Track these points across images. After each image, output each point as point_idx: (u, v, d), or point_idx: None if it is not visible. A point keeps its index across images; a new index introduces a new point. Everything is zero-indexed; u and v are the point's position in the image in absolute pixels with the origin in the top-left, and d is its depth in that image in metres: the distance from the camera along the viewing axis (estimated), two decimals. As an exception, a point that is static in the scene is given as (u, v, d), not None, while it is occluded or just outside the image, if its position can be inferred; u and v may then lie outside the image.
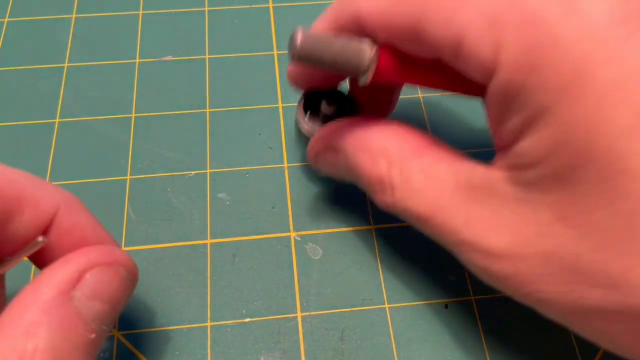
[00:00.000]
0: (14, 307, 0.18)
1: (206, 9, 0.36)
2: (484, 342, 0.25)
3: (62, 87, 0.32)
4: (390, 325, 0.25)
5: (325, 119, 0.25)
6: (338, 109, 0.25)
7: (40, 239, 0.19)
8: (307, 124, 0.26)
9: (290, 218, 0.28)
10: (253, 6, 0.36)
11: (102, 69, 0.33)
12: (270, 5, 0.36)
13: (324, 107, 0.25)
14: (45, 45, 0.33)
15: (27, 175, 0.20)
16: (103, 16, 0.35)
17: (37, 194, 0.19)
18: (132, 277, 0.20)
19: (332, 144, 0.23)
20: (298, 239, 0.27)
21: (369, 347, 0.25)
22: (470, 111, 0.32)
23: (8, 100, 0.31)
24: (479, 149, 0.30)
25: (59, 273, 0.18)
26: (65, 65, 0.33)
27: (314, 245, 0.27)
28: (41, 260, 0.20)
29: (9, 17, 0.35)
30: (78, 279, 0.18)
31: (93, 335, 0.18)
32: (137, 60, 0.33)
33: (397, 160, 0.21)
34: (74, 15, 0.35)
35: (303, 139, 0.27)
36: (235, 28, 0.35)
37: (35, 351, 0.17)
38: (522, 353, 0.25)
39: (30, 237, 0.19)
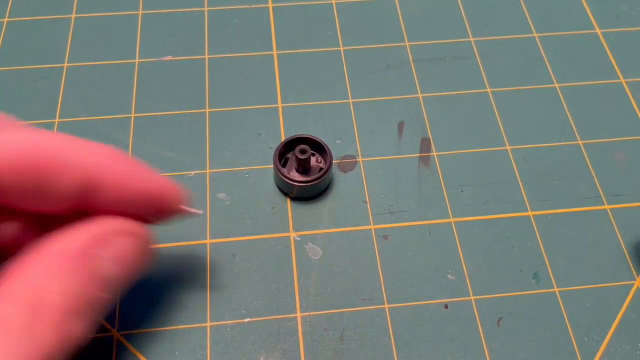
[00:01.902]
0: (39, 252, 0.18)
1: (206, 8, 0.36)
2: (483, 343, 0.25)
3: (62, 87, 0.32)
4: (390, 325, 0.25)
5: (300, 163, 0.28)
6: (311, 153, 0.28)
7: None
8: (283, 170, 0.28)
9: (290, 218, 0.28)
10: (253, 6, 0.36)
11: (102, 69, 0.33)
12: (270, 5, 0.36)
13: (298, 153, 0.28)
14: (45, 45, 0.33)
15: (64, 137, 0.19)
16: (103, 16, 0.35)
17: (76, 153, 0.19)
18: (149, 253, 0.21)
19: None
20: (298, 239, 0.27)
21: (369, 347, 0.25)
22: (471, 111, 0.32)
23: (8, 100, 0.31)
24: (479, 150, 0.30)
25: (84, 230, 0.19)
26: (65, 65, 0.33)
27: (313, 246, 0.27)
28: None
29: (8, 17, 0.35)
30: (104, 240, 0.19)
31: (103, 295, 0.19)
32: (136, 60, 0.33)
33: None
34: (73, 15, 0.35)
35: (282, 184, 0.28)
36: (235, 28, 0.35)
37: (52, 291, 0.17)
38: (522, 353, 0.25)
39: (73, 195, 0.19)
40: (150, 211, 0.21)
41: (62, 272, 0.18)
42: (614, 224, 0.28)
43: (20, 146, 0.19)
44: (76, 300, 0.18)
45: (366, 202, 0.29)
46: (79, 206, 0.20)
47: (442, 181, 0.29)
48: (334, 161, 0.30)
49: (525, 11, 0.36)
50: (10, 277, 0.18)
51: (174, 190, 0.21)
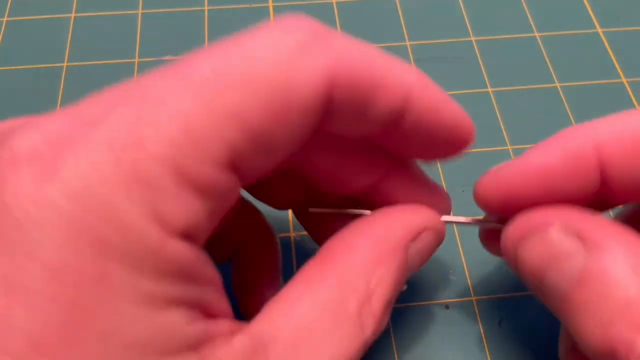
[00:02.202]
0: (365, 233, 0.18)
1: (206, 8, 0.36)
2: (484, 343, 0.25)
3: (62, 86, 0.32)
4: (390, 325, 0.25)
5: None
6: None
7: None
8: None
9: (290, 218, 0.28)
10: (253, 5, 0.36)
11: (102, 68, 0.33)
12: (270, 4, 0.36)
13: None
14: (45, 45, 0.33)
15: (381, 55, 0.17)
16: (102, 15, 0.35)
17: (392, 73, 0.17)
18: (441, 241, 0.21)
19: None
20: (298, 239, 0.27)
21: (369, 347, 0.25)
22: (471, 111, 0.32)
23: (7, 100, 0.31)
24: (479, 149, 0.30)
25: (407, 221, 0.19)
26: (65, 64, 0.33)
27: (313, 246, 0.27)
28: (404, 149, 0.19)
29: (7, 17, 0.35)
30: (417, 235, 0.19)
31: (405, 287, 0.19)
32: (136, 60, 0.33)
33: None
34: (73, 15, 0.35)
35: None
36: (235, 27, 0.35)
37: (380, 282, 0.17)
38: (522, 353, 0.25)
39: (386, 120, 0.17)
40: (446, 147, 0.19)
41: (391, 263, 0.18)
42: (616, 224, 0.28)
43: (347, 61, 0.16)
44: (393, 294, 0.18)
45: (366, 202, 0.28)
46: (385, 135, 0.18)
47: (442, 181, 0.29)
48: (334, 161, 0.29)
49: (526, 10, 0.36)
50: (335, 255, 0.17)
51: (472, 128, 0.20)
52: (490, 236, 0.21)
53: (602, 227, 0.17)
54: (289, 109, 0.15)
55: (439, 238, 0.20)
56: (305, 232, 0.27)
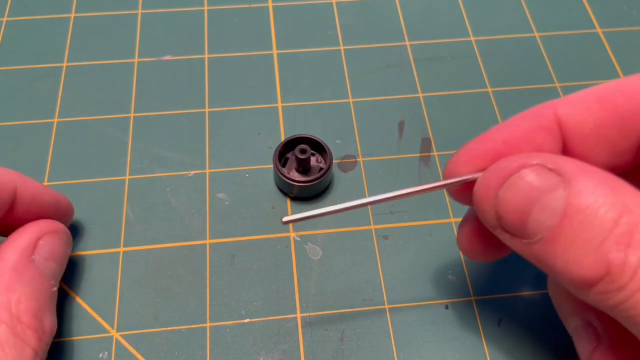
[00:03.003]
0: None
1: (205, 8, 0.35)
2: (484, 343, 0.25)
3: (61, 86, 0.32)
4: (390, 325, 0.25)
5: (300, 163, 0.28)
6: (312, 153, 0.29)
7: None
8: (283, 170, 0.28)
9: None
10: (253, 5, 0.36)
11: (101, 68, 0.33)
12: (270, 4, 0.36)
13: (298, 152, 0.27)
14: (44, 45, 0.33)
15: None
16: (102, 15, 0.35)
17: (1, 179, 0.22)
18: (70, 242, 0.25)
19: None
20: (298, 239, 0.27)
21: (369, 347, 0.25)
22: (472, 111, 0.32)
23: (6, 100, 0.31)
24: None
25: (18, 241, 0.22)
26: (64, 64, 0.33)
27: (313, 246, 0.27)
28: (8, 231, 0.23)
29: (7, 17, 0.34)
30: (35, 244, 0.22)
31: (55, 288, 0.23)
32: (135, 60, 0.33)
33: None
34: (72, 15, 0.35)
35: (282, 183, 0.28)
36: (234, 27, 0.35)
37: (19, 301, 0.20)
38: (522, 354, 0.25)
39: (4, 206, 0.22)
40: (59, 218, 0.25)
41: (22, 277, 0.21)
42: (615, 224, 0.28)
43: None
44: (41, 300, 0.21)
45: (366, 202, 0.28)
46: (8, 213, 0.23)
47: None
48: (334, 161, 0.29)
49: (526, 10, 0.36)
50: None
51: (69, 205, 0.26)
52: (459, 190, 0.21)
53: (573, 162, 0.18)
54: None
55: (62, 239, 0.24)
56: (305, 232, 0.27)
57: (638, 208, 0.16)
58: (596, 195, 0.16)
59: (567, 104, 0.20)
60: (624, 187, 0.16)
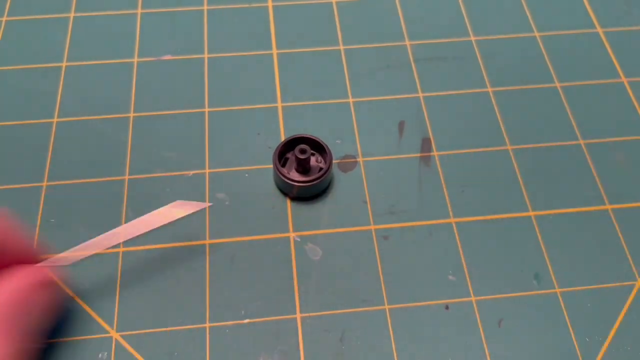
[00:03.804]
0: None
1: (205, 7, 0.35)
2: (484, 344, 0.25)
3: (60, 86, 0.32)
4: (390, 326, 0.25)
5: (300, 163, 0.28)
6: (311, 153, 0.29)
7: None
8: (283, 170, 0.28)
9: (290, 218, 0.28)
10: (252, 5, 0.36)
11: (101, 68, 0.32)
12: (270, 4, 0.36)
13: (298, 152, 0.27)
14: (43, 45, 0.33)
15: None
16: (101, 15, 0.35)
17: None
18: (54, 289, 0.24)
19: None
20: (298, 239, 0.27)
21: (369, 348, 0.25)
22: (472, 111, 0.32)
23: (6, 99, 0.31)
24: (479, 149, 0.30)
25: (12, 287, 0.21)
26: (64, 64, 0.33)
27: (313, 246, 0.27)
28: None
29: (7, 17, 0.34)
30: (22, 298, 0.21)
31: (36, 345, 0.22)
32: (135, 60, 0.33)
33: None
34: (72, 15, 0.35)
35: (282, 184, 0.28)
36: (234, 27, 0.35)
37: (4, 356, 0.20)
38: (523, 354, 0.25)
39: None
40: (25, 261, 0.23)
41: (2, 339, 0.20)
42: (616, 224, 0.28)
43: None
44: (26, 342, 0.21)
45: (366, 202, 0.28)
46: None
47: (442, 181, 0.29)
48: (334, 161, 0.29)
49: (527, 10, 0.36)
50: None
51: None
52: None
53: None
54: None
55: (51, 289, 0.23)
56: (305, 232, 0.27)
57: None
58: None
59: None
60: None
